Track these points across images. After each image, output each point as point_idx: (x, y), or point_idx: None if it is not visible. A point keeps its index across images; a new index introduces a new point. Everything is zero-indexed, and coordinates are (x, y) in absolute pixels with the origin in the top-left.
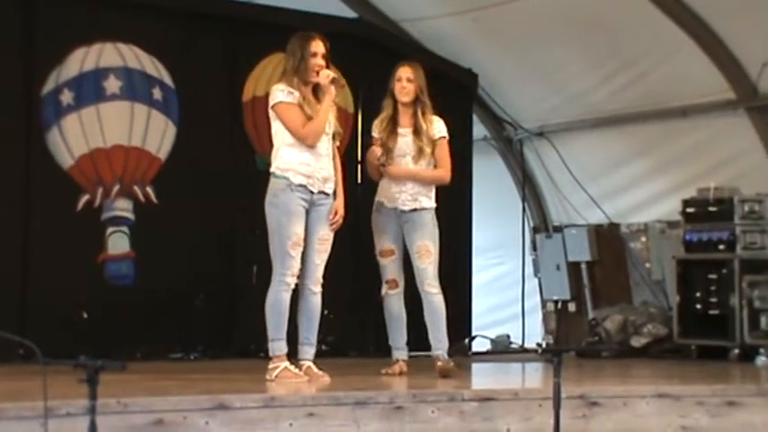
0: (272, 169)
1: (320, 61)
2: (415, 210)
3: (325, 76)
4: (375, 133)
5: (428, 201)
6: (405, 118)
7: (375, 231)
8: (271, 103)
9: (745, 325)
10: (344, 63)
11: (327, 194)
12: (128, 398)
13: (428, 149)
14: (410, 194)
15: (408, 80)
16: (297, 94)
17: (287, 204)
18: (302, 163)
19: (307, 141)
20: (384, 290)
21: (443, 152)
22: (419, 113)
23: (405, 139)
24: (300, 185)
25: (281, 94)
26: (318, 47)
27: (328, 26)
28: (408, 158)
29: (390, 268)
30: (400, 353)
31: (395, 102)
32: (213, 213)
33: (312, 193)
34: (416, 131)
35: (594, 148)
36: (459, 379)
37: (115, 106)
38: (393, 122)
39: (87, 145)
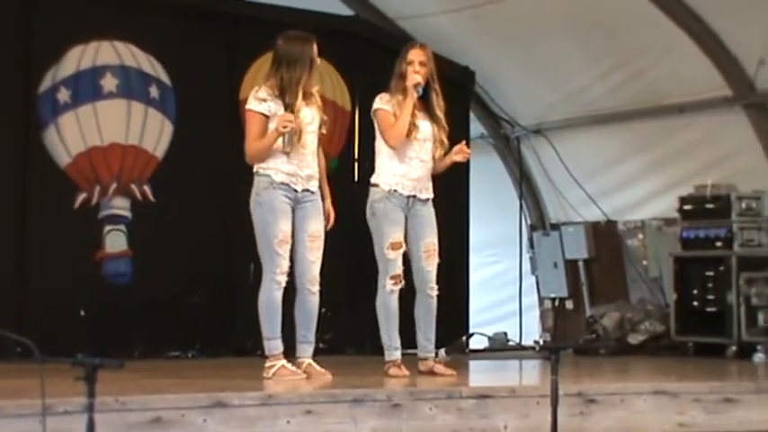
0: (255, 168)
1: None
2: (428, 200)
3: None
4: (388, 107)
5: (432, 192)
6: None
7: (384, 222)
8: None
9: (743, 322)
10: (341, 61)
11: (313, 192)
12: (126, 396)
13: (446, 140)
14: (425, 182)
15: (421, 64)
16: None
17: (271, 202)
18: (285, 161)
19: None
20: (388, 286)
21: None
22: (433, 100)
23: (424, 123)
24: (283, 183)
25: (255, 102)
26: None
27: (325, 24)
28: (429, 144)
29: (399, 262)
30: (399, 352)
31: (404, 85)
32: (210, 211)
33: (296, 191)
34: (434, 119)
35: (592, 145)
36: (456, 376)
37: (112, 104)
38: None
39: (84, 143)
